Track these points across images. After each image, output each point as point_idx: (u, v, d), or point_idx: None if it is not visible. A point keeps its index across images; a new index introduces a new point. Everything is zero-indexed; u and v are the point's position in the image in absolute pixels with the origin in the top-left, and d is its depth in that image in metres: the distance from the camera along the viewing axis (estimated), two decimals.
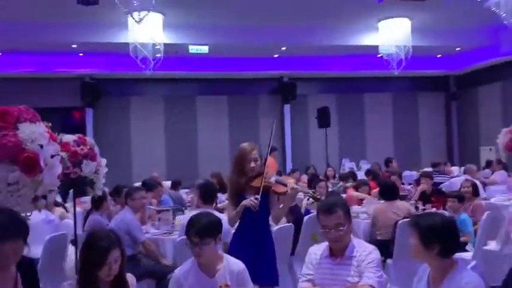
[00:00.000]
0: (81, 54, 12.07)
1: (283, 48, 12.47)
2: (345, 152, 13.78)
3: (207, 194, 4.22)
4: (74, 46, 11.38)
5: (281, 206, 3.41)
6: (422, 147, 15.04)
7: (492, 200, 6.68)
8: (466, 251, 4.63)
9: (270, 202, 3.36)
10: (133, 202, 4.57)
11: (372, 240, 4.57)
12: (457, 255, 2.34)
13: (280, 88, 13.93)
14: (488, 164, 10.21)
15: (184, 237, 2.63)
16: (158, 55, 9.67)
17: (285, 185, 3.32)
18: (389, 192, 5.08)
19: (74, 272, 4.54)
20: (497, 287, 3.41)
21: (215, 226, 2.57)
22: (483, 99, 14.05)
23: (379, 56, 11.55)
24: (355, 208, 5.87)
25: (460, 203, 4.99)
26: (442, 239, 2.23)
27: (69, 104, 12.76)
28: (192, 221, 2.57)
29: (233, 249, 3.25)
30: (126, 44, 9.70)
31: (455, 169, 11.08)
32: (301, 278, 2.67)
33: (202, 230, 2.49)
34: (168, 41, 10.26)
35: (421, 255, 2.30)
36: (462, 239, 4.34)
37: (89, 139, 4.12)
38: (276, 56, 13.14)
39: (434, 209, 5.29)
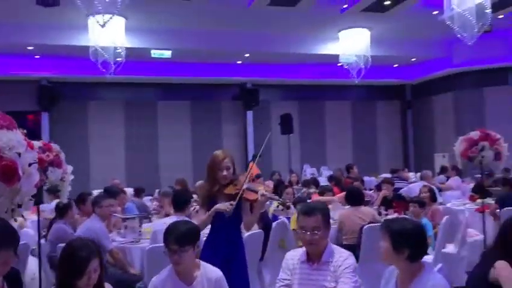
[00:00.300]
0: (37, 57, 11.66)
1: (247, 55, 12.56)
2: (306, 158, 14.01)
3: (180, 202, 4.18)
4: (30, 48, 10.99)
5: (252, 213, 3.44)
6: (380, 154, 15.52)
7: (448, 205, 7.01)
8: (426, 254, 4.82)
9: (242, 209, 3.38)
10: (101, 210, 4.47)
11: (338, 245, 4.66)
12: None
13: (243, 94, 14.01)
14: (443, 170, 10.59)
15: (156, 245, 2.61)
16: (119, 59, 9.49)
17: (256, 192, 3.35)
18: (354, 197, 5.21)
19: (36, 284, 4.37)
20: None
21: (194, 233, 2.58)
22: (437, 108, 14.66)
23: (339, 64, 11.85)
24: None
25: (421, 208, 5.20)
26: (412, 244, 2.33)
27: (24, 107, 12.24)
28: (170, 229, 2.56)
29: (206, 253, 3.23)
30: (86, 47, 9.44)
31: (411, 175, 11.47)
32: (278, 282, 2.70)
33: (182, 238, 2.49)
34: (130, 45, 10.10)
35: (390, 259, 2.37)
36: None
37: (55, 145, 3.98)
38: (239, 62, 13.21)
39: (396, 214, 5.48)
